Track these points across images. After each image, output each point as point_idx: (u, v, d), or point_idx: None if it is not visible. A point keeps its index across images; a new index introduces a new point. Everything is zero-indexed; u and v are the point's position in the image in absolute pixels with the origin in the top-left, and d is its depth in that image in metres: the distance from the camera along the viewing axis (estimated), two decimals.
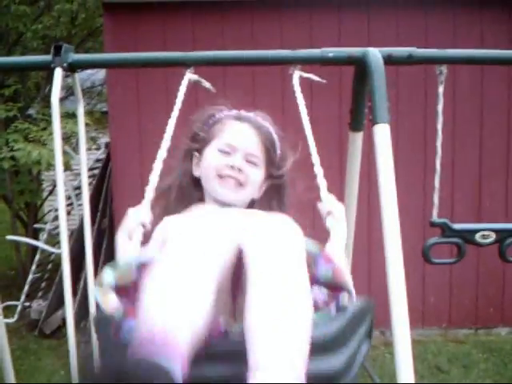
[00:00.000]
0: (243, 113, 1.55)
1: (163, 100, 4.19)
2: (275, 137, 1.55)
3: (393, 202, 1.46)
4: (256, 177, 1.50)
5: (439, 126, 1.85)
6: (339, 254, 1.38)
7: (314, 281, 1.12)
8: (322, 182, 1.50)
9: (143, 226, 1.39)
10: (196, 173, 1.56)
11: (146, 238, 1.42)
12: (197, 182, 1.56)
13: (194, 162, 1.57)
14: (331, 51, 1.71)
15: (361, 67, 1.72)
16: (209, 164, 1.48)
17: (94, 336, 1.98)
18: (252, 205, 1.57)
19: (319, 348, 1.00)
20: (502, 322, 4.58)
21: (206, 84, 1.68)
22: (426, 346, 4.18)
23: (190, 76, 1.64)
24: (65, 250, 1.67)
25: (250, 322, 0.95)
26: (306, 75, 1.72)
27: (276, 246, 1.03)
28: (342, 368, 1.05)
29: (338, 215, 1.47)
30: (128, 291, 1.05)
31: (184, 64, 1.66)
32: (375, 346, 4.00)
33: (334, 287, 1.13)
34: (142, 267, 1.04)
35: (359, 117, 2.01)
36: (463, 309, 4.56)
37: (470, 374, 3.81)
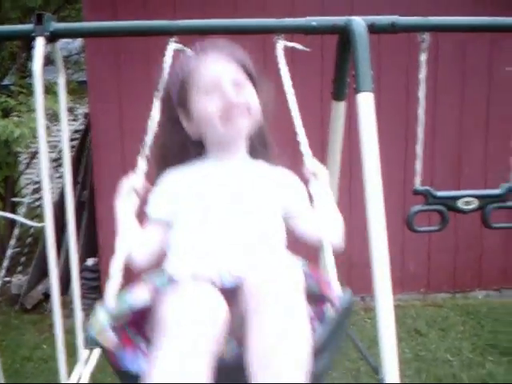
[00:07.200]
0: (199, 48, 1.49)
1: (144, 66, 4.11)
2: (241, 52, 1.48)
3: (377, 172, 1.46)
4: (253, 96, 1.43)
5: (421, 94, 1.85)
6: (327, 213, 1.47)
7: None
8: (305, 149, 1.51)
9: (136, 192, 1.43)
10: (188, 127, 1.47)
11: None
12: (189, 137, 1.48)
13: (182, 117, 1.47)
14: (315, 20, 1.70)
15: (344, 36, 1.71)
16: (204, 111, 1.38)
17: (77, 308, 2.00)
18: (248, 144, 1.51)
19: None
20: (479, 286, 4.70)
21: (190, 53, 1.66)
22: (405, 310, 4.26)
23: (173, 45, 1.62)
24: (49, 226, 1.66)
25: (253, 353, 1.03)
26: (290, 44, 1.70)
27: (277, 279, 1.10)
28: (325, 366, 1.16)
29: (323, 178, 1.48)
30: (123, 325, 1.14)
31: (168, 33, 1.64)
32: (355, 312, 4.06)
33: (320, 299, 1.22)
34: (136, 311, 1.13)
35: (342, 86, 2.01)
36: (441, 274, 4.66)
37: (447, 336, 3.90)
